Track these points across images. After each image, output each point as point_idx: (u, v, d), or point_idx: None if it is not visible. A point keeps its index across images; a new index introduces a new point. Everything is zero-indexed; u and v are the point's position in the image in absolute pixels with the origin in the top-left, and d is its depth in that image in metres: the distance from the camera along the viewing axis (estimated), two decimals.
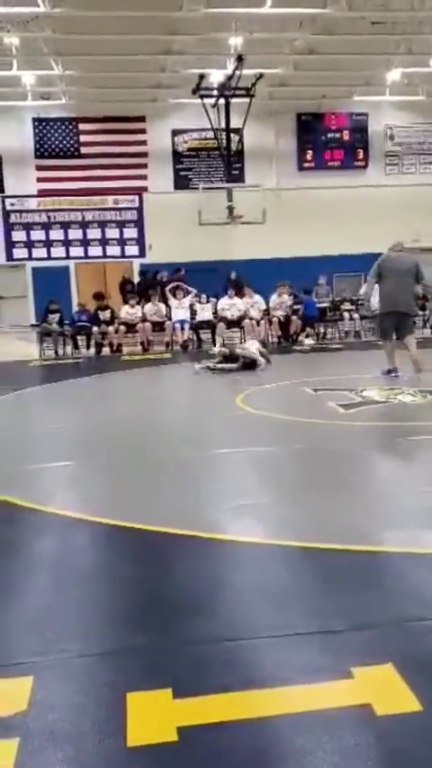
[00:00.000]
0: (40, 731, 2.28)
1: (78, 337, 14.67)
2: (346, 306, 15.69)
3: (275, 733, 2.22)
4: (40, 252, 21.70)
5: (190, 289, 15.15)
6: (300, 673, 2.53)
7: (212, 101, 17.90)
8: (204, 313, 14.88)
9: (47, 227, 21.68)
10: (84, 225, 21.81)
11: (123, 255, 21.87)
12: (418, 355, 9.12)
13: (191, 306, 14.90)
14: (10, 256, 21.61)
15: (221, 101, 17.80)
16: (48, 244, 21.75)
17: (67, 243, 21.81)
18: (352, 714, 2.29)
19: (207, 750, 2.16)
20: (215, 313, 14.84)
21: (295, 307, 15.09)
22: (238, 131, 18.98)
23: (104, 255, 21.90)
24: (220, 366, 10.78)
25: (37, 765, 2.12)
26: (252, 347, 11.26)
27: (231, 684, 2.47)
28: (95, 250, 21.93)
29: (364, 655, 2.63)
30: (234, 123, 18.27)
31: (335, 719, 2.27)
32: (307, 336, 14.93)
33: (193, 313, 14.89)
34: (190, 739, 2.20)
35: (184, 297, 14.92)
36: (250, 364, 10.73)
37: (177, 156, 22.04)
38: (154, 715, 2.34)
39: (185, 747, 2.17)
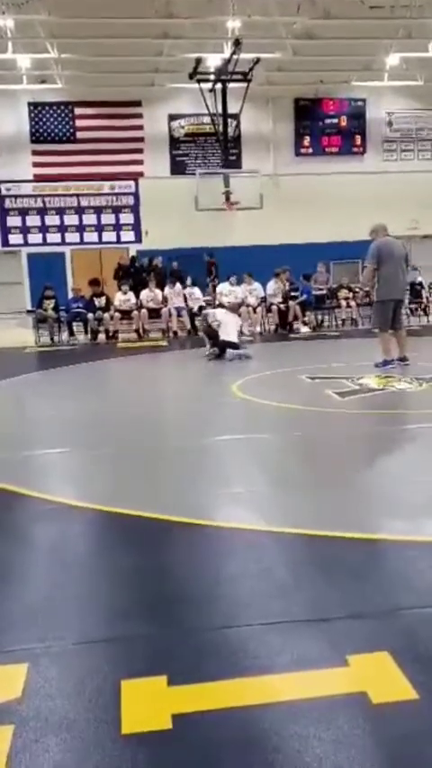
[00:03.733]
0: (35, 718, 2.27)
1: (74, 324, 14.62)
2: (344, 293, 15.63)
3: (271, 721, 2.22)
4: (35, 238, 21.60)
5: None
6: (295, 660, 2.53)
7: (209, 85, 17.77)
8: (192, 300, 14.84)
9: (42, 212, 21.57)
10: (79, 210, 21.71)
11: (119, 241, 21.78)
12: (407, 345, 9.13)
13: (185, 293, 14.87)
14: (5, 242, 21.51)
15: (218, 85, 17.68)
16: (43, 229, 21.65)
17: (62, 229, 21.71)
18: (347, 702, 2.29)
19: (202, 738, 2.16)
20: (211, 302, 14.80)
21: (293, 294, 15.04)
22: (236, 117, 18.89)
23: (100, 241, 21.80)
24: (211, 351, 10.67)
25: (31, 752, 2.12)
26: (225, 318, 10.80)
27: (226, 672, 2.46)
28: (91, 236, 21.83)
29: (360, 643, 2.62)
30: (231, 108, 18.16)
31: (330, 707, 2.26)
32: (304, 324, 14.90)
33: (186, 300, 14.84)
34: (184, 727, 2.20)
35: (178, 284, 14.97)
36: (224, 345, 10.40)
37: (174, 141, 21.91)
38: (148, 702, 2.33)
39: (180, 735, 2.16)
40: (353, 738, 2.11)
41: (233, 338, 10.52)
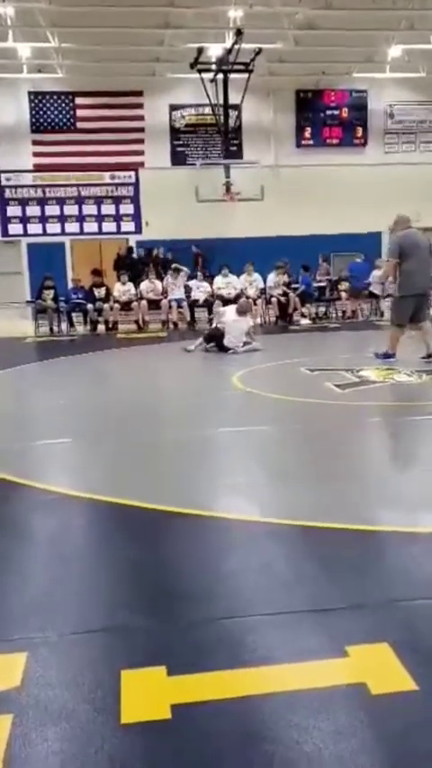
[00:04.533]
0: (34, 707, 2.27)
1: (73, 314, 14.59)
2: (344, 285, 15.60)
3: (270, 711, 2.22)
4: (35, 228, 21.53)
5: (181, 267, 15.07)
6: (295, 651, 2.53)
7: (211, 76, 17.68)
8: (199, 291, 14.79)
9: (42, 202, 21.50)
10: (79, 201, 21.64)
11: (119, 232, 21.71)
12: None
13: (185, 285, 14.82)
14: (5, 232, 21.44)
15: (220, 76, 17.60)
16: (43, 220, 21.58)
17: (62, 219, 21.64)
18: (347, 693, 2.29)
19: (201, 728, 2.16)
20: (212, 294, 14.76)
21: (293, 285, 15.01)
22: (237, 107, 18.81)
23: (100, 232, 21.74)
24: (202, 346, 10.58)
25: (30, 741, 2.12)
26: (231, 318, 10.58)
27: (226, 663, 2.46)
28: (91, 226, 21.77)
29: (360, 634, 2.62)
30: (232, 99, 18.09)
31: (329, 698, 2.26)
32: (303, 316, 14.88)
33: (188, 291, 14.80)
34: (184, 717, 2.20)
35: (179, 275, 14.88)
36: (221, 344, 10.29)
37: (175, 131, 21.82)
38: (148, 692, 2.33)
39: (179, 725, 2.16)
40: (352, 729, 2.12)
41: (233, 345, 10.33)
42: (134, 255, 17.81)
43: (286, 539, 3.59)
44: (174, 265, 15.13)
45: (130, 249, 18.08)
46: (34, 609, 2.93)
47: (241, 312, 10.60)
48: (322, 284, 15.87)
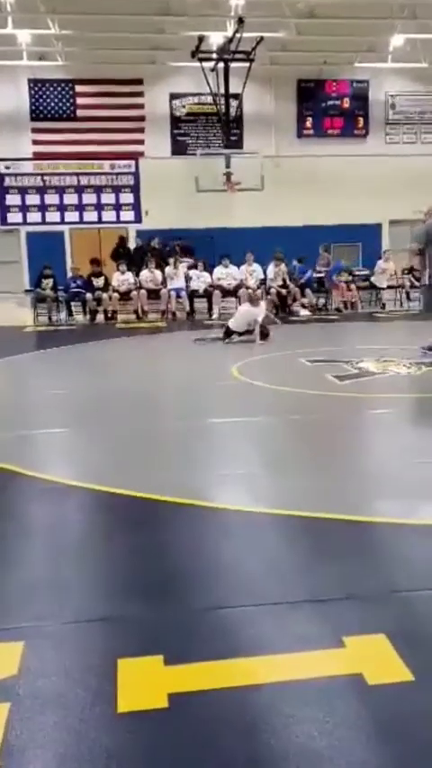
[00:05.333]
0: (31, 696, 2.28)
1: (72, 304, 14.56)
2: (345, 276, 15.55)
3: (266, 701, 2.22)
4: (34, 216, 21.44)
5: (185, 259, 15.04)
6: (291, 641, 2.53)
7: (211, 64, 17.57)
8: (199, 281, 14.75)
9: (42, 191, 21.41)
10: (79, 189, 21.54)
11: (119, 221, 21.64)
12: None
13: (185, 274, 14.78)
14: (4, 221, 21.37)
15: (221, 65, 17.48)
16: (42, 208, 21.49)
17: (62, 208, 21.55)
18: (343, 683, 2.30)
19: (197, 717, 2.16)
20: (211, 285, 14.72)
21: (294, 277, 14.96)
22: (237, 96, 18.69)
23: (100, 221, 21.65)
24: (214, 337, 10.56)
25: (27, 730, 2.12)
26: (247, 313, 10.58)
27: (223, 652, 2.47)
28: (91, 215, 21.68)
29: (356, 624, 2.63)
30: (233, 88, 17.97)
31: (326, 688, 2.27)
32: (303, 307, 14.83)
33: (187, 281, 14.76)
34: (180, 706, 2.20)
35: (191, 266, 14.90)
36: (228, 331, 10.34)
37: (175, 120, 21.71)
38: (144, 681, 2.34)
39: (176, 714, 2.17)
40: (348, 719, 2.12)
41: (235, 328, 10.39)
42: (128, 246, 17.72)
43: (284, 529, 3.60)
44: (177, 254, 15.10)
45: (122, 238, 17.96)
46: (32, 598, 2.93)
47: (253, 303, 10.66)
48: (321, 275, 15.82)
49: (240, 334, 10.35)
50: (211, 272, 14.91)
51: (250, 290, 11.92)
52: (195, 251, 16.20)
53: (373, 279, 15.57)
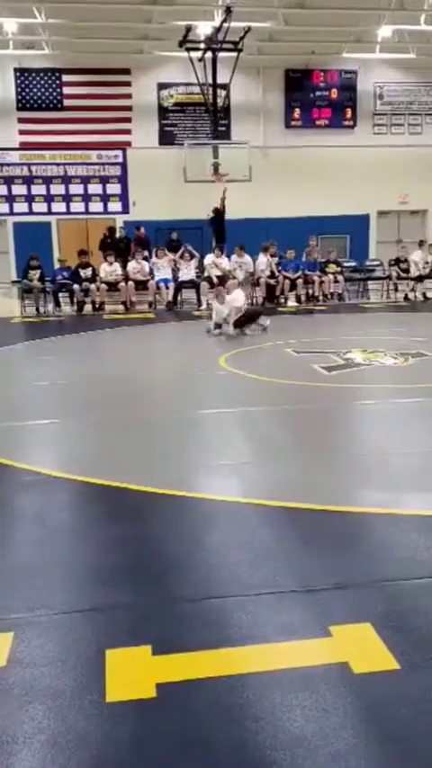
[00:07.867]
0: (20, 686, 2.29)
1: (60, 294, 14.49)
2: (332, 267, 15.56)
3: (253, 690, 2.25)
4: (21, 207, 21.28)
5: (194, 252, 15.02)
6: (278, 631, 2.56)
7: (199, 54, 17.49)
8: (187, 272, 14.71)
9: (28, 181, 21.24)
10: (66, 180, 21.39)
11: (106, 212, 21.52)
12: None
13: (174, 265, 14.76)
14: None
15: (208, 54, 17.39)
16: (29, 199, 21.32)
17: (49, 198, 21.39)
18: (329, 672, 2.32)
19: (185, 706, 2.18)
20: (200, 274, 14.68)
21: (282, 270, 14.95)
22: (225, 87, 18.62)
23: (87, 212, 21.52)
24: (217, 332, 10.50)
25: (16, 720, 2.14)
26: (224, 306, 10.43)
27: (210, 642, 2.49)
28: (78, 206, 21.54)
29: (343, 614, 2.66)
30: (221, 78, 17.90)
31: (312, 677, 2.29)
32: (289, 298, 14.82)
33: (175, 272, 14.72)
34: (168, 695, 2.22)
35: (191, 259, 14.84)
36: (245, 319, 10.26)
37: (163, 110, 21.57)
38: (133, 671, 2.36)
39: (164, 703, 2.19)
40: (334, 707, 2.15)
41: (217, 321, 10.33)
42: (117, 235, 17.62)
43: (272, 519, 3.62)
44: (188, 248, 15.11)
45: (111, 229, 17.86)
46: (20, 589, 2.94)
47: (218, 297, 10.60)
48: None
49: (219, 326, 10.33)
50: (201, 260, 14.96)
51: (219, 285, 11.82)
52: (182, 241, 16.12)
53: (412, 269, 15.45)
